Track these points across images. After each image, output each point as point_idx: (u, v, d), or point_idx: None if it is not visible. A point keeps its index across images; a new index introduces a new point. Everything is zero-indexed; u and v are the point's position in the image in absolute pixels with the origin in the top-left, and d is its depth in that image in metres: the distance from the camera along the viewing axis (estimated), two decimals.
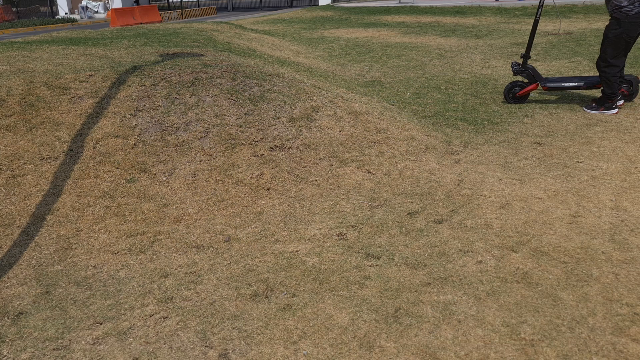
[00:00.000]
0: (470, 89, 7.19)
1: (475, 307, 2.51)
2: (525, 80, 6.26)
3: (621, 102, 5.75)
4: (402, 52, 10.88)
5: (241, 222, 3.47)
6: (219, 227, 3.40)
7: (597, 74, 5.86)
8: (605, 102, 5.64)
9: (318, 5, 28.89)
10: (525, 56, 6.07)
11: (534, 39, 8.19)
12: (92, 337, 2.40)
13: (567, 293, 2.59)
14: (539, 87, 6.16)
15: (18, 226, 3.29)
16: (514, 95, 6.24)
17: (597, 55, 8.95)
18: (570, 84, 5.97)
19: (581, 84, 5.94)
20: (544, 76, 6.42)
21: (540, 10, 5.89)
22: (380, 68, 9.16)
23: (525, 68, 6.07)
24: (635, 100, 6.11)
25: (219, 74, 5.01)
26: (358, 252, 3.04)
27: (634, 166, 4.11)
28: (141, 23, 22.47)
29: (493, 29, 13.63)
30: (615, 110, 5.59)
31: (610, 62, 5.47)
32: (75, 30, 9.77)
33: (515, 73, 6.11)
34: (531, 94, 6.51)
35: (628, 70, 7.73)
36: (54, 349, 2.33)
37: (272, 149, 4.23)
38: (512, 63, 6.13)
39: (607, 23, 5.44)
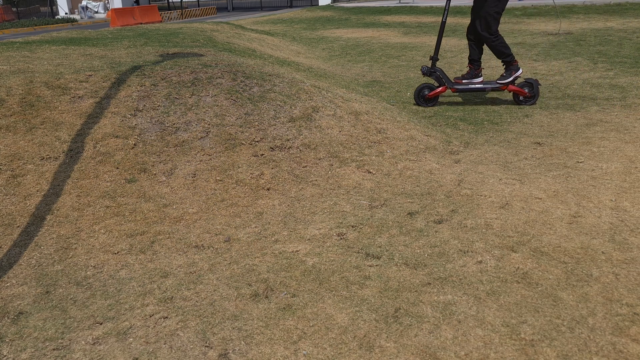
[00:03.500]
0: None
1: (475, 307, 2.51)
2: (436, 84, 6.28)
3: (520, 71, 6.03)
4: (402, 52, 10.89)
5: (241, 222, 3.47)
6: (219, 227, 3.40)
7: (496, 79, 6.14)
8: (511, 66, 5.97)
9: (318, 5, 28.89)
10: (434, 59, 6.09)
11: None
12: (92, 337, 2.40)
13: (567, 293, 2.59)
14: (448, 90, 6.22)
15: (18, 226, 3.29)
16: (424, 97, 6.27)
17: (597, 56, 8.96)
18: (477, 86, 6.10)
19: (488, 87, 6.08)
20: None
21: (446, 12, 5.96)
22: (380, 68, 9.16)
23: (434, 70, 6.09)
24: (634, 100, 6.11)
25: (219, 74, 5.01)
26: (358, 252, 3.04)
27: (634, 166, 4.11)
28: (141, 23, 22.47)
29: None
30: (520, 70, 6.00)
31: (495, 34, 5.89)
32: (75, 30, 9.78)
33: (424, 74, 6.15)
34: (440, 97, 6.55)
35: (628, 71, 7.73)
36: (54, 349, 2.33)
37: (272, 149, 4.23)
38: (422, 67, 6.18)
39: (486, 2, 5.80)
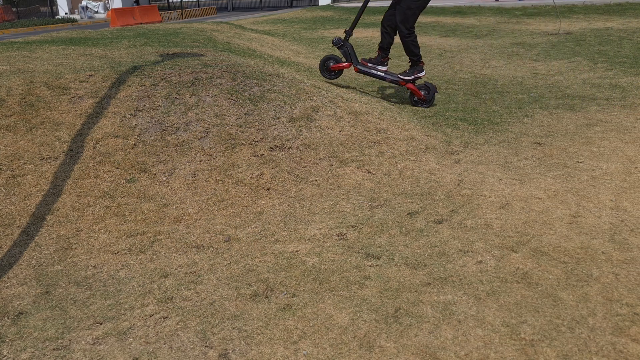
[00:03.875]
0: (470, 89, 7.19)
1: (475, 307, 2.51)
2: (343, 58, 6.29)
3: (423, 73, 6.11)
4: (402, 52, 10.87)
5: (241, 222, 3.47)
6: (219, 227, 3.40)
7: (400, 72, 6.21)
8: (416, 66, 6.05)
9: (318, 5, 28.88)
10: (348, 33, 6.12)
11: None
12: (92, 337, 2.40)
13: (567, 293, 2.59)
14: (352, 67, 6.23)
15: (18, 226, 3.29)
16: (328, 68, 6.30)
17: (597, 56, 8.96)
18: (379, 73, 6.14)
19: (389, 77, 6.11)
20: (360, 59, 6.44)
21: None
22: None
23: (344, 44, 6.11)
24: (634, 100, 6.12)
25: (219, 74, 5.01)
26: (358, 252, 3.04)
27: (634, 166, 4.11)
28: (141, 23, 22.46)
29: (493, 29, 13.63)
30: (424, 72, 6.09)
31: (411, 30, 5.98)
32: (75, 30, 9.77)
33: (334, 45, 6.17)
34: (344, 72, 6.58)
35: (628, 71, 7.73)
36: (54, 349, 2.33)
37: (272, 149, 4.23)
38: (334, 38, 6.18)
39: None
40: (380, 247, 3.09)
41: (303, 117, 4.67)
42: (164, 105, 4.44)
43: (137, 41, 7.28)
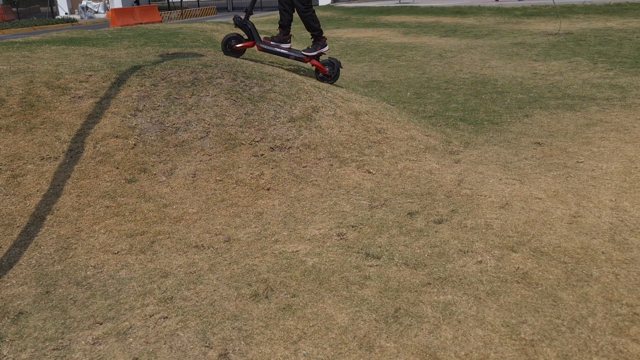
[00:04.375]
0: (470, 89, 7.19)
1: (475, 307, 2.51)
2: (245, 37, 6.25)
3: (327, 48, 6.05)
4: (402, 52, 10.88)
5: (241, 222, 3.47)
6: (219, 227, 3.40)
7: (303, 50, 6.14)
8: (318, 41, 5.98)
9: (318, 5, 28.89)
10: (249, 12, 6.09)
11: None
12: (92, 337, 2.40)
13: (567, 293, 2.59)
14: (255, 46, 6.19)
15: (18, 226, 3.29)
16: (231, 47, 6.26)
17: (597, 56, 8.96)
18: (282, 51, 6.09)
19: (292, 54, 6.08)
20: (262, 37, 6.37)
21: None
22: (380, 68, 9.16)
23: (245, 23, 6.08)
24: (634, 100, 6.12)
25: (219, 74, 5.01)
26: (358, 252, 3.04)
27: (634, 166, 4.11)
28: (141, 23, 22.46)
29: (493, 29, 13.63)
30: (327, 47, 5.98)
31: (307, 5, 5.90)
32: (75, 30, 9.77)
33: (235, 25, 6.13)
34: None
35: (628, 71, 7.73)
36: (54, 349, 2.33)
37: (272, 149, 4.23)
38: (235, 17, 6.12)
39: None
40: (380, 247, 3.09)
41: (303, 117, 4.67)
42: (164, 105, 4.44)
43: (137, 41, 7.28)
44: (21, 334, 2.43)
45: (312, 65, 6.12)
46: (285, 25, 6.14)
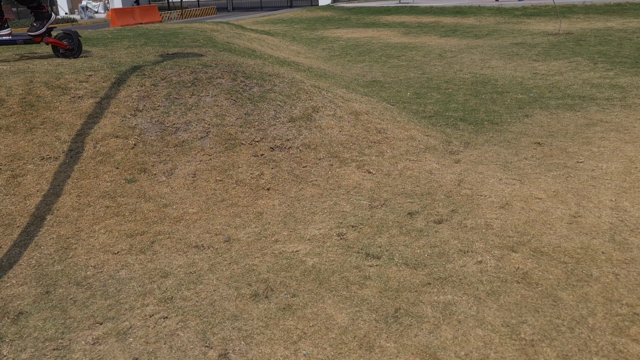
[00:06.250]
0: (470, 89, 7.19)
1: (475, 307, 2.51)
2: None
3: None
4: (402, 52, 10.88)
5: (241, 222, 3.47)
6: (219, 227, 3.40)
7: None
8: (41, 15, 5.40)
9: (318, 5, 28.89)
10: None
11: None
12: (92, 337, 2.40)
13: (567, 293, 2.59)
14: None
15: (18, 226, 3.29)
16: None
17: (597, 56, 8.96)
18: (4, 38, 5.46)
19: (19, 39, 5.49)
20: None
21: None
22: (380, 68, 9.16)
23: None
24: (634, 100, 6.11)
25: (219, 74, 5.01)
26: (358, 252, 3.04)
27: (634, 166, 4.11)
28: (141, 23, 22.47)
29: (493, 29, 13.63)
30: (53, 17, 5.48)
31: None
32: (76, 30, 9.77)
33: None
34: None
35: (628, 71, 7.73)
36: (54, 349, 2.33)
37: (272, 149, 4.23)
38: None
39: None
40: (380, 247, 3.09)
41: (303, 117, 4.67)
42: (164, 105, 4.44)
43: (137, 41, 7.28)
44: (21, 334, 2.43)
45: (47, 44, 5.52)
46: None
